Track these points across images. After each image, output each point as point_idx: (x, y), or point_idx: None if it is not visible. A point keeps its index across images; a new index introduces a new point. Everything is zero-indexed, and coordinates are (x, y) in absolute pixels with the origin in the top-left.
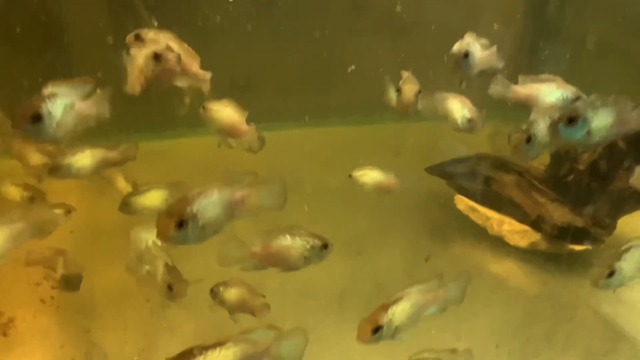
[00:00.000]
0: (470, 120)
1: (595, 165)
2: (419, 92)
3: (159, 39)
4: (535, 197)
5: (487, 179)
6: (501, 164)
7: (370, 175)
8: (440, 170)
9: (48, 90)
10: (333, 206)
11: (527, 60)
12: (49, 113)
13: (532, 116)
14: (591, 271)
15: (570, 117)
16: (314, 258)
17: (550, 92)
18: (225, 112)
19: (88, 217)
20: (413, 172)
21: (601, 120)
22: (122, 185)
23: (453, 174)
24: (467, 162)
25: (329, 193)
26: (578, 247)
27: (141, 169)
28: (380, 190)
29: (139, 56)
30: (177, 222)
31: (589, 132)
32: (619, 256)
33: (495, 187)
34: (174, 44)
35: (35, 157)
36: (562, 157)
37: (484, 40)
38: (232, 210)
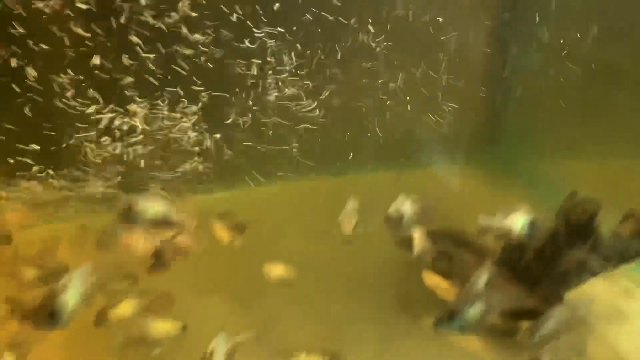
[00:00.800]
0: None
1: (542, 252)
2: (357, 223)
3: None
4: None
5: (449, 256)
6: (463, 243)
7: (274, 269)
8: (409, 244)
9: (60, 282)
10: (307, 284)
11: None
12: (64, 305)
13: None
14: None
15: (449, 315)
16: None
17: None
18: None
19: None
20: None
21: (474, 312)
22: None
23: None
24: (432, 237)
25: (303, 267)
26: (529, 323)
27: None
28: (281, 281)
29: (143, 249)
30: None
31: (464, 323)
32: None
33: (457, 265)
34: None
35: (30, 272)
36: (513, 247)
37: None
38: None
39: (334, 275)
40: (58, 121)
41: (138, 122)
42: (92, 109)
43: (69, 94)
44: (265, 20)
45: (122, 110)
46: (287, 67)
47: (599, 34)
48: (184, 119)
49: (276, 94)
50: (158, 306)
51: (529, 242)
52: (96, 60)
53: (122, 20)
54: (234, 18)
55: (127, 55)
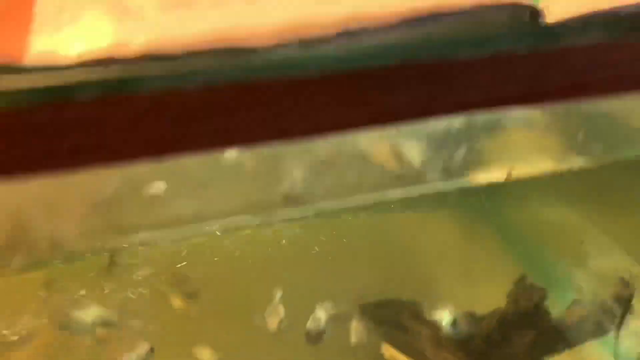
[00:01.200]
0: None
1: (490, 335)
2: (281, 320)
3: None
4: (444, 355)
5: (406, 328)
6: (419, 315)
7: (201, 353)
8: (371, 313)
9: None
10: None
11: None
12: None
13: None
14: None
15: None
16: None
17: (443, 316)
18: None
19: None
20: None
21: None
22: None
23: (379, 318)
24: (392, 307)
25: (269, 338)
26: None
27: None
28: None
29: None
30: None
31: None
32: None
33: (412, 338)
34: None
35: None
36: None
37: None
38: None
39: (300, 339)
40: None
41: None
42: None
43: None
44: None
45: None
46: None
47: None
48: None
49: None
50: None
51: (455, 338)
52: None
53: None
54: None
55: None
